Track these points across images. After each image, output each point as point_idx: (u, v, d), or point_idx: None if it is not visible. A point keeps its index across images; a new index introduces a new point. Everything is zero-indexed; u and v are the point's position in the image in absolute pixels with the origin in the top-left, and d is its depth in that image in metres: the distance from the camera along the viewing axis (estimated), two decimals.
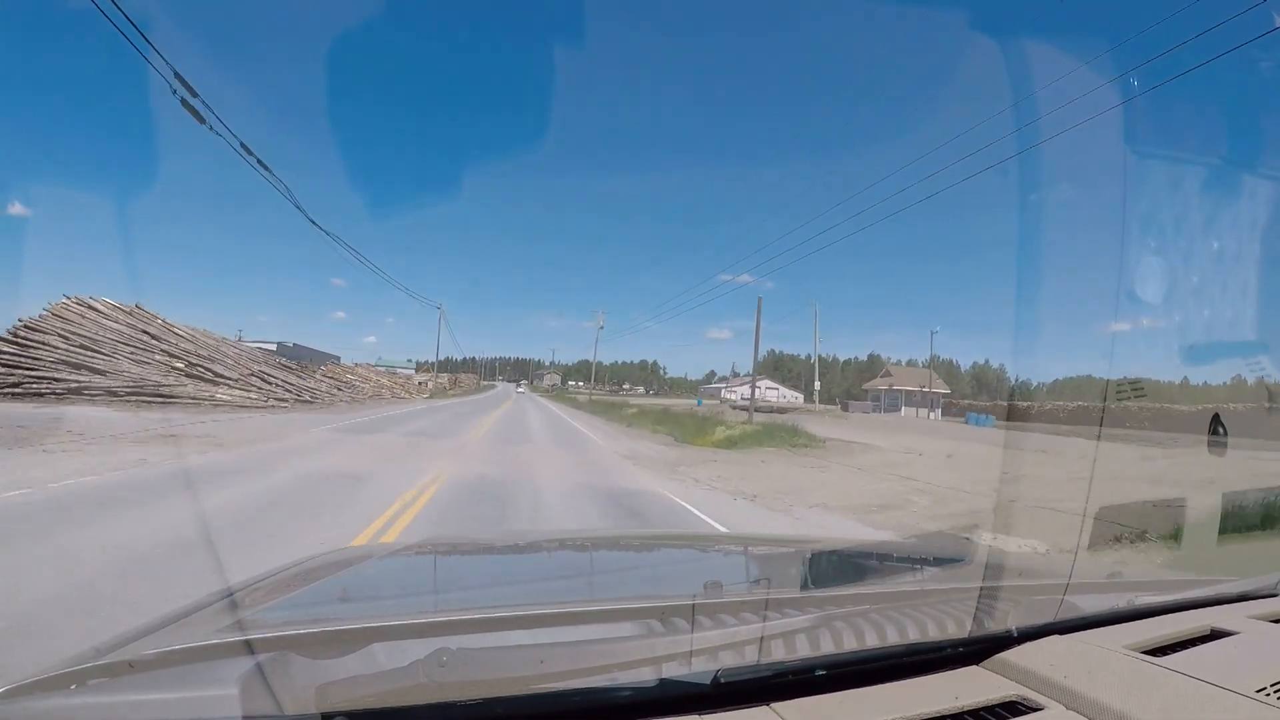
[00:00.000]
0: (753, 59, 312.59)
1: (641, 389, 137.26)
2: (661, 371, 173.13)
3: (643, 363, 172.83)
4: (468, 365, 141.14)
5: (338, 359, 57.64)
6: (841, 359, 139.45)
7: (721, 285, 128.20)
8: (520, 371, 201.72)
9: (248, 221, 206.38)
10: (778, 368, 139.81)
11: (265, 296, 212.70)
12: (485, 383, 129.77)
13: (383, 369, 68.16)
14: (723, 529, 6.87)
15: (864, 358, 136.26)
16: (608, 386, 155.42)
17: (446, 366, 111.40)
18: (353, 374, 38.75)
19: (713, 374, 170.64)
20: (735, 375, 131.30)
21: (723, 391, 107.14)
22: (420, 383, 57.14)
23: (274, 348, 59.58)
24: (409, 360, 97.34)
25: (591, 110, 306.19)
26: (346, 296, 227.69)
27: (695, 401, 62.30)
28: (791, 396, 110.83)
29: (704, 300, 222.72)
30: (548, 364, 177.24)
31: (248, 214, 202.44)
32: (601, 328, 45.52)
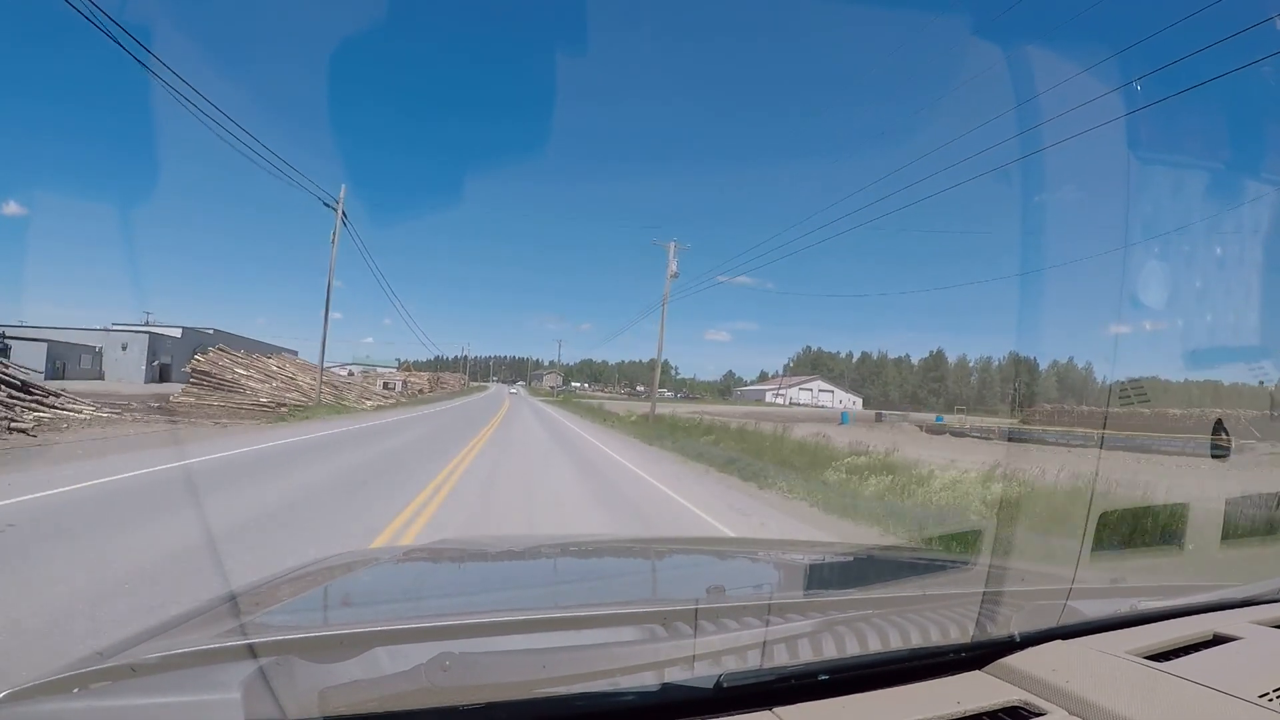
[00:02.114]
0: (754, 65, 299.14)
1: (668, 393, 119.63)
2: (673, 372, 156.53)
3: (652, 363, 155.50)
4: (457, 364, 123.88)
5: (295, 353, 41.79)
6: (892, 357, 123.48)
7: (723, 284, 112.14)
8: (517, 371, 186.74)
9: (243, 226, 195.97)
10: (816, 366, 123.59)
11: (263, 298, 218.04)
12: (476, 384, 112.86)
13: (358, 368, 52.70)
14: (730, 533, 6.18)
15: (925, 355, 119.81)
16: (618, 388, 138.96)
17: (436, 365, 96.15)
18: (245, 368, 22.18)
19: (731, 374, 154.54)
20: (768, 374, 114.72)
21: (767, 394, 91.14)
22: (386, 384, 40.29)
23: (178, 334, 42.72)
24: (397, 359, 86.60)
25: (591, 115, 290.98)
26: (347, 299, 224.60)
27: (841, 419, 42.69)
28: (848, 400, 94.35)
29: (705, 300, 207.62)
30: (547, 363, 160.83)
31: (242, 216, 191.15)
32: (675, 275, 25.50)
